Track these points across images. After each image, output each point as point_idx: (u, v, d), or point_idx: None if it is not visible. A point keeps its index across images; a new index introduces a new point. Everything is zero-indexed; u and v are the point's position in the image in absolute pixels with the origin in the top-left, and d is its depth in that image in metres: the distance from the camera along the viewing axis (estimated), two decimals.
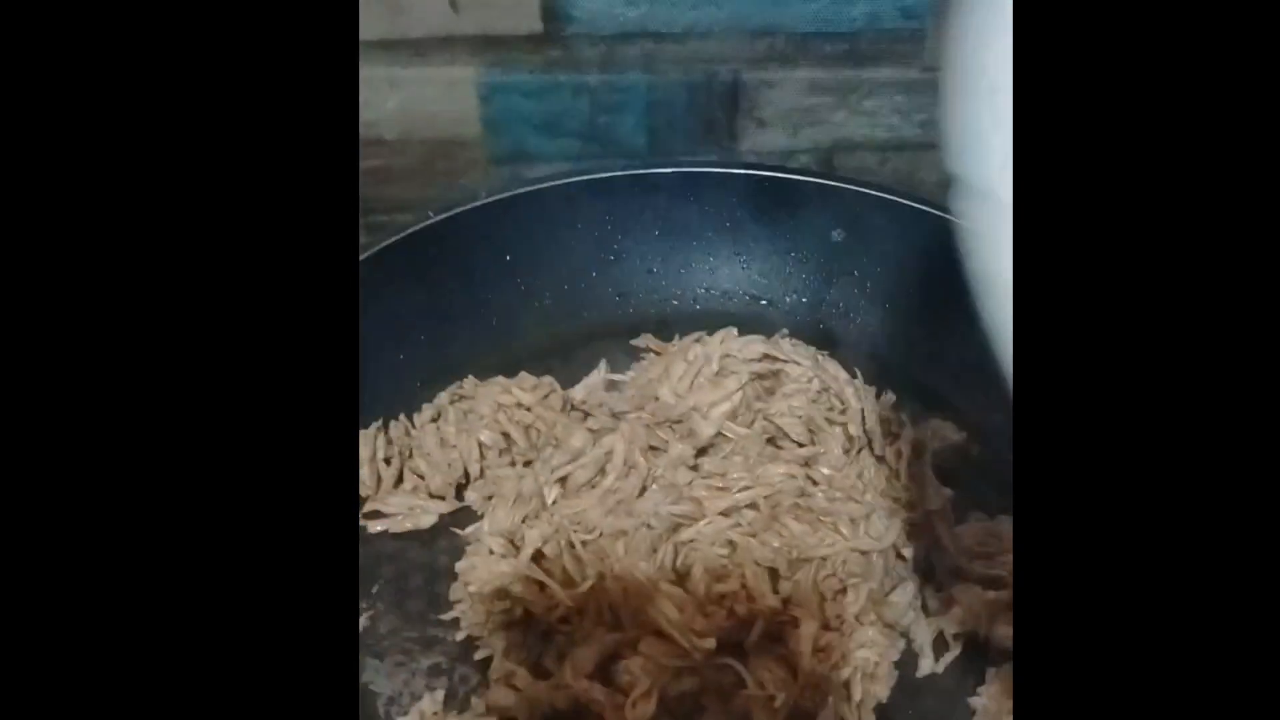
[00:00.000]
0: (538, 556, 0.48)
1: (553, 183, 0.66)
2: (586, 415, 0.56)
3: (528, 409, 0.57)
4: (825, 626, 0.44)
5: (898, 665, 0.47)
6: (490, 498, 0.53)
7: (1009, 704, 0.45)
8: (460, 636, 0.49)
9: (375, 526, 0.53)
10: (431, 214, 0.62)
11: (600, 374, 0.61)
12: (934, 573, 0.51)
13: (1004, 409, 0.60)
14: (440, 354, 0.62)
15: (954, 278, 0.62)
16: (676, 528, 0.48)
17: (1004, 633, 0.48)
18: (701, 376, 0.53)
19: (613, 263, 0.69)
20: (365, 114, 0.74)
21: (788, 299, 0.68)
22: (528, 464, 0.54)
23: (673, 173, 0.67)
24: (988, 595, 0.49)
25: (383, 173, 0.78)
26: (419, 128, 0.79)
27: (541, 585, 0.47)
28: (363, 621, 0.49)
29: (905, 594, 0.47)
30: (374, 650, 0.49)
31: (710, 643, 0.43)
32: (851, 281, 0.67)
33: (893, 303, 0.66)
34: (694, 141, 0.81)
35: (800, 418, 0.50)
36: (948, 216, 0.61)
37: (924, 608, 0.49)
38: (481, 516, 0.52)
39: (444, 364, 0.62)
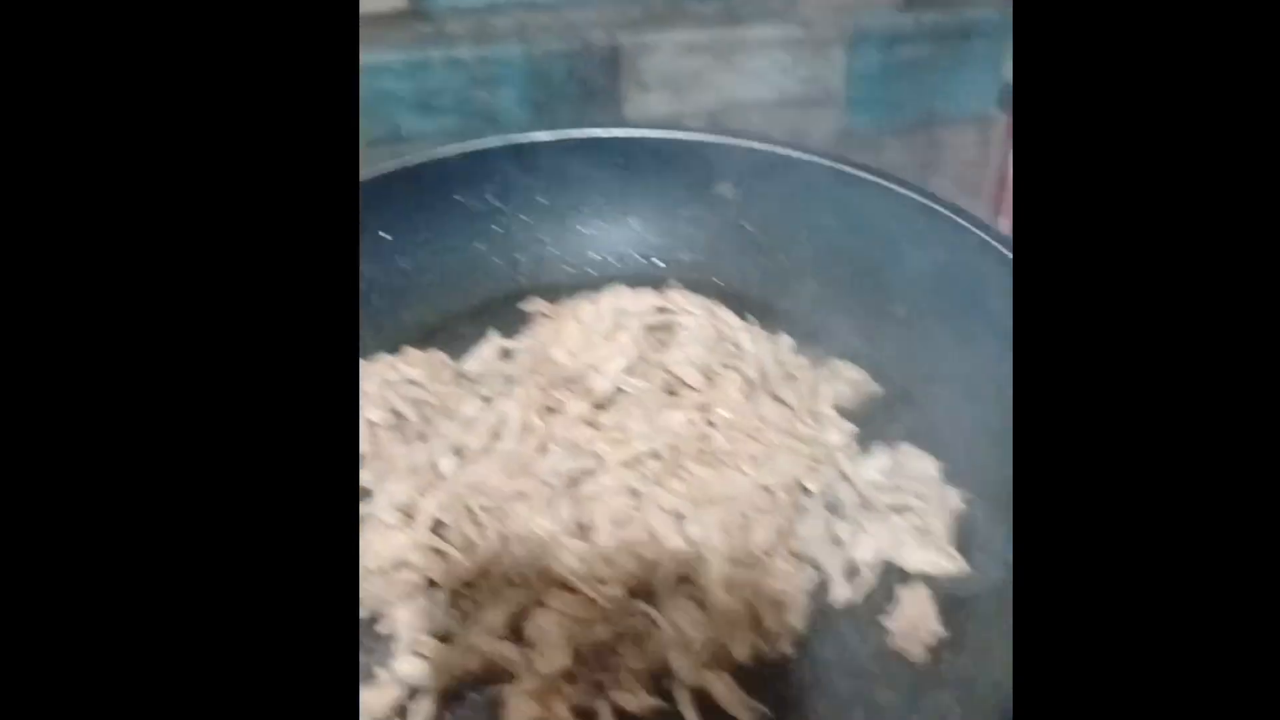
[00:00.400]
0: (436, 526, 0.46)
1: (427, 158, 0.64)
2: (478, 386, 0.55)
3: (417, 384, 0.55)
4: (734, 563, 0.44)
5: (812, 597, 0.47)
6: (376, 487, 0.51)
7: (925, 618, 0.45)
8: (363, 615, 0.46)
9: None
10: None
11: (491, 344, 0.59)
12: (841, 507, 0.51)
13: (899, 346, 0.61)
14: None
15: (846, 224, 0.63)
16: (577, 483, 0.46)
17: (913, 556, 0.49)
18: (595, 334, 0.51)
19: (500, 235, 0.67)
20: None
21: (682, 257, 0.67)
22: (421, 438, 0.52)
23: (553, 140, 0.66)
24: (894, 521, 0.50)
25: None
26: None
27: (441, 553, 0.45)
28: None
29: (812, 526, 0.47)
30: None
31: (617, 590, 0.42)
32: (743, 235, 0.67)
33: (785, 252, 0.66)
34: (578, 111, 0.80)
35: (696, 365, 0.50)
36: (836, 166, 0.62)
37: (834, 540, 0.49)
38: None
39: None
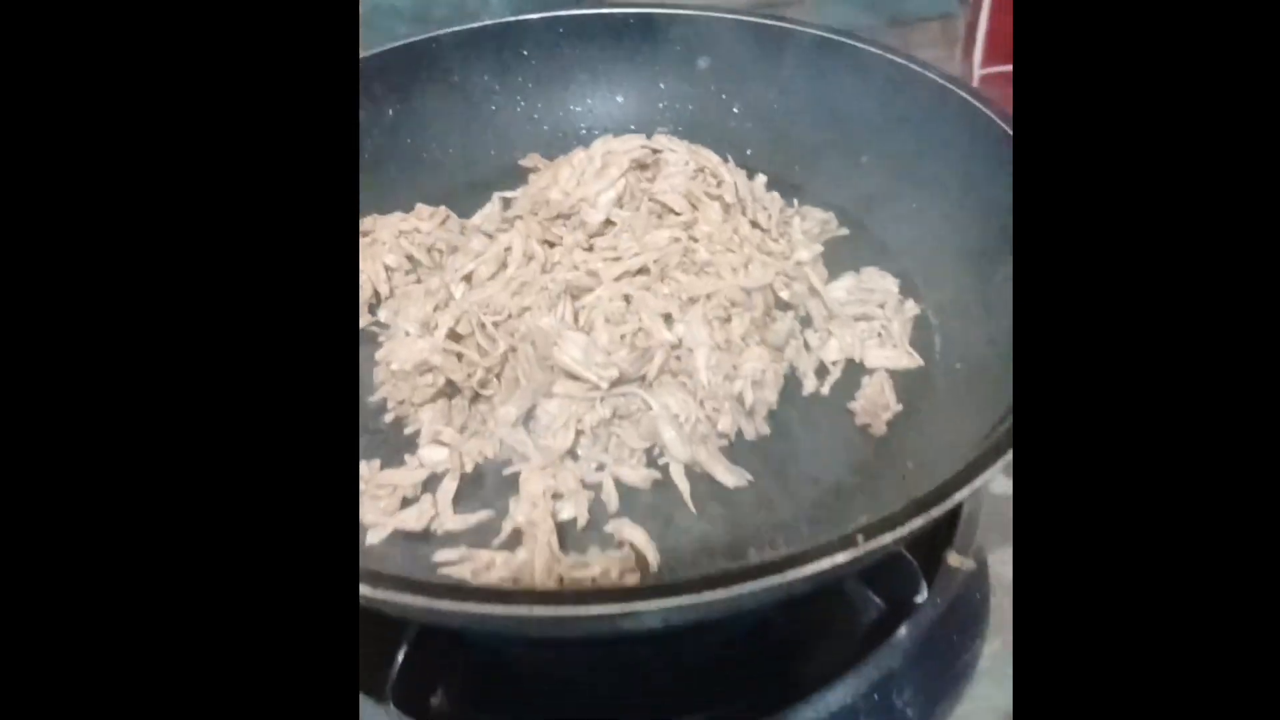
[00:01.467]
0: (453, 336, 0.52)
1: (421, 37, 0.69)
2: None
3: (428, 233, 0.61)
4: (716, 349, 0.50)
5: (784, 395, 0.53)
6: (398, 312, 0.57)
7: (884, 397, 0.52)
8: (388, 419, 0.52)
9: None
10: None
11: (495, 205, 0.65)
12: (811, 319, 0.57)
13: (862, 191, 0.67)
14: None
15: (816, 85, 0.69)
16: (576, 295, 0.52)
17: (874, 354, 0.55)
18: (587, 173, 0.57)
19: (493, 113, 0.73)
20: None
21: (664, 128, 0.73)
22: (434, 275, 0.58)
23: (541, 19, 0.71)
24: (858, 327, 0.56)
25: None
26: None
27: (460, 356, 0.51)
28: None
29: (785, 322, 0.53)
30: None
31: (613, 372, 0.48)
32: (719, 104, 0.72)
33: (760, 117, 0.71)
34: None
35: (681, 193, 0.56)
36: (806, 30, 0.68)
37: (805, 346, 0.55)
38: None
39: None
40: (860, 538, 0.36)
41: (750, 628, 0.50)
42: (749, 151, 0.70)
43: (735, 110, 0.72)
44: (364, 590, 0.35)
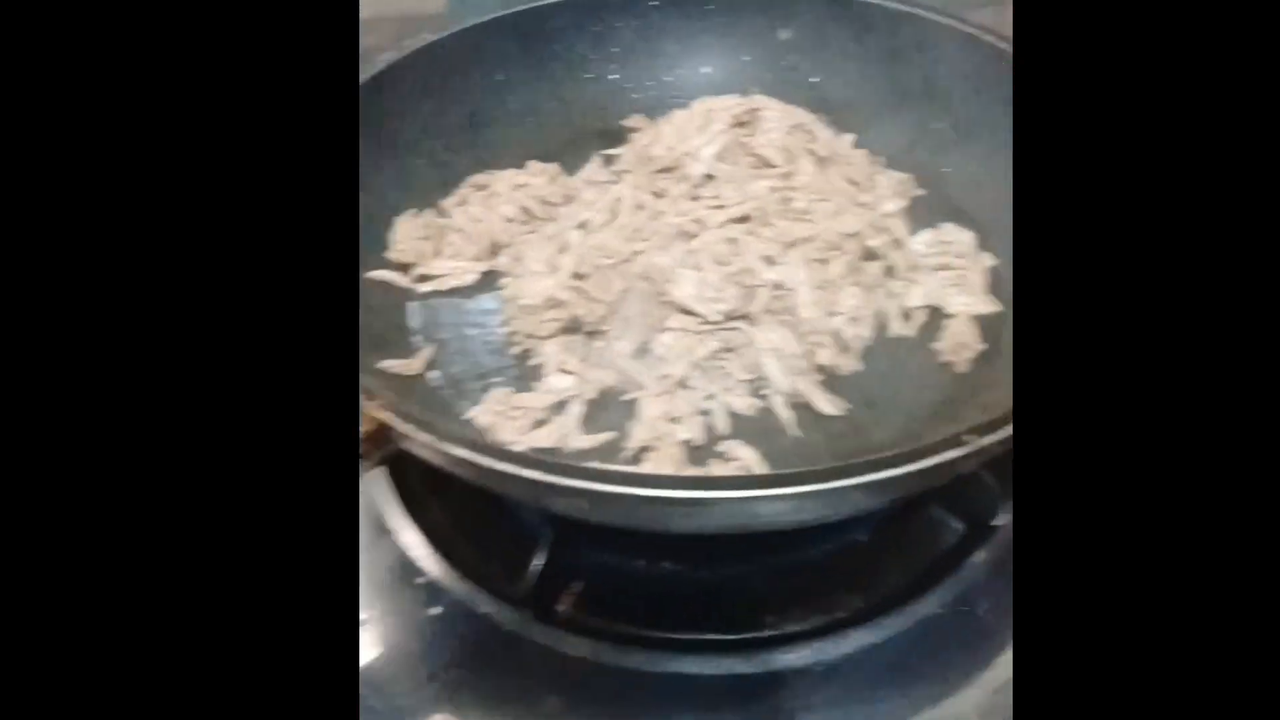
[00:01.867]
0: (575, 276, 0.57)
1: (524, 6, 0.74)
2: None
3: (540, 187, 0.66)
4: (814, 288, 0.55)
5: (875, 332, 0.58)
6: (519, 258, 0.62)
7: (968, 336, 0.56)
8: (515, 351, 0.58)
9: (424, 288, 0.62)
10: (429, 35, 0.70)
11: (597, 161, 0.70)
12: (896, 269, 0.62)
13: (938, 155, 0.71)
14: (451, 158, 0.70)
15: (889, 55, 0.73)
16: (686, 239, 0.57)
17: (955, 300, 0.60)
18: (689, 129, 0.62)
19: (590, 80, 0.78)
20: None
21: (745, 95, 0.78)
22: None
23: None
24: (940, 275, 0.61)
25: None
26: (386, 6, 0.85)
27: (582, 292, 0.56)
28: (428, 355, 0.58)
29: (874, 269, 0.58)
30: (443, 375, 0.57)
31: (723, 307, 0.53)
32: (798, 74, 0.77)
33: (839, 85, 0.76)
34: None
35: (779, 146, 0.60)
36: (873, 2, 0.72)
37: (890, 293, 0.60)
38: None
39: (458, 169, 0.70)
40: (967, 437, 0.41)
41: (840, 544, 0.55)
42: (828, 119, 0.75)
43: (813, 80, 0.76)
44: (516, 470, 0.40)
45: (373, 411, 0.41)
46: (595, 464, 0.51)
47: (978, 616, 0.53)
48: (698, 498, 0.39)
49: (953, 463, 0.41)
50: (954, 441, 0.41)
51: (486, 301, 0.61)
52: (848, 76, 0.75)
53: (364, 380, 0.41)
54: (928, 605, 0.52)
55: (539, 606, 0.52)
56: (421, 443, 0.40)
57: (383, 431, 0.41)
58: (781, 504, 0.41)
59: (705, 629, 0.52)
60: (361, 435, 0.41)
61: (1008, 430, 0.41)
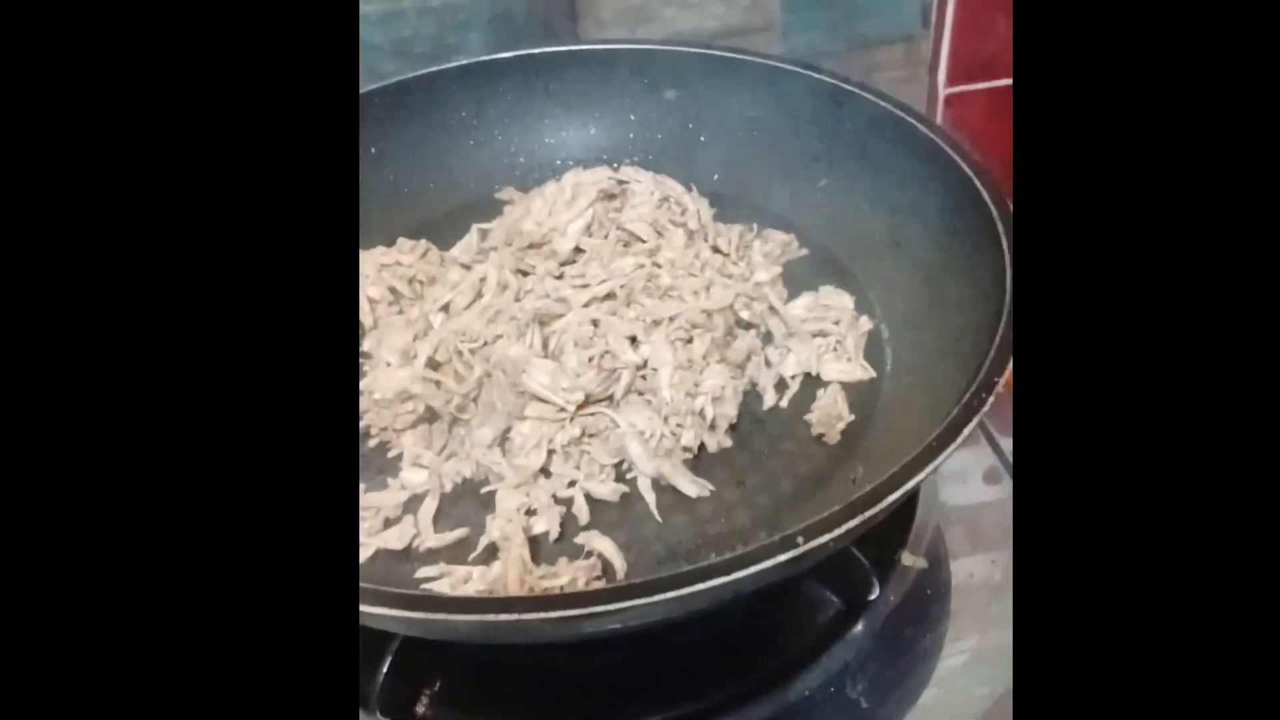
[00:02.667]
0: (432, 364, 0.55)
1: (402, 77, 0.73)
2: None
3: (409, 265, 0.64)
4: (679, 368, 0.53)
5: (745, 406, 0.56)
6: (380, 343, 0.60)
7: (838, 409, 0.55)
8: (372, 444, 0.56)
9: None
10: None
11: (473, 236, 0.68)
12: (772, 336, 0.60)
13: (822, 213, 0.70)
14: None
15: (777, 114, 0.72)
16: (546, 321, 0.56)
17: (830, 368, 0.58)
18: (557, 204, 0.60)
19: (471, 147, 0.76)
20: None
21: (634, 157, 0.76)
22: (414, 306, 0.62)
23: (514, 57, 0.75)
24: (816, 343, 0.59)
25: None
26: None
27: (438, 384, 0.54)
28: None
29: (746, 340, 0.57)
30: None
31: (578, 396, 0.52)
32: (686, 132, 0.76)
33: (725, 145, 0.75)
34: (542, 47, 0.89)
35: (647, 221, 0.59)
36: (766, 62, 0.71)
37: (766, 362, 0.59)
38: None
39: None
40: (800, 539, 0.39)
41: (715, 628, 0.53)
42: (715, 176, 0.74)
43: (702, 139, 0.75)
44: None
45: None
46: (440, 573, 0.49)
47: (850, 699, 0.51)
48: (512, 621, 0.37)
49: (786, 564, 0.39)
50: (786, 544, 0.39)
51: None
52: (735, 135, 0.74)
53: None
54: (799, 687, 0.51)
55: (393, 711, 0.49)
56: None
57: None
58: (607, 618, 0.39)
59: None
60: None
61: (842, 529, 0.39)
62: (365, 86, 0.71)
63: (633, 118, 0.77)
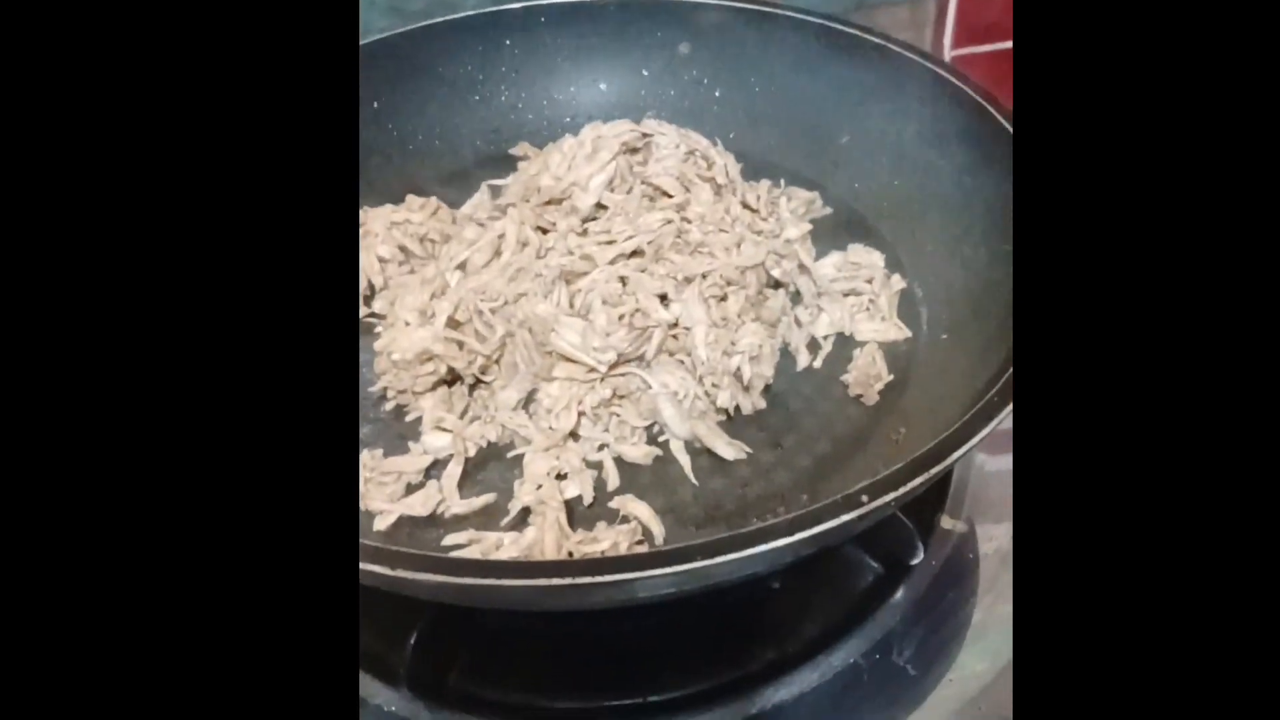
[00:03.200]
0: (451, 324, 0.52)
1: (405, 28, 0.69)
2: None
3: (419, 224, 0.61)
4: (713, 326, 0.51)
5: (779, 369, 0.54)
6: (394, 302, 0.57)
7: (875, 368, 0.53)
8: (389, 408, 0.53)
9: None
10: None
11: (484, 193, 0.65)
12: (801, 296, 0.58)
13: (844, 170, 0.68)
14: None
15: (792, 67, 0.70)
16: (571, 279, 0.53)
17: (864, 327, 0.56)
18: (577, 158, 0.58)
19: (478, 103, 0.73)
20: None
21: (647, 114, 0.74)
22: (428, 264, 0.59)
23: (520, 8, 0.72)
24: (848, 301, 0.57)
25: None
26: None
27: (460, 344, 0.52)
28: None
29: (778, 299, 0.55)
30: None
31: (610, 355, 0.49)
32: (701, 88, 0.73)
33: (741, 100, 0.72)
34: None
35: (673, 175, 0.57)
36: (782, 12, 0.69)
37: (797, 322, 0.56)
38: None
39: None
40: (864, 497, 0.37)
41: (753, 595, 0.51)
42: (731, 135, 0.71)
43: (717, 94, 0.73)
44: (383, 570, 0.36)
45: None
46: (469, 540, 0.46)
47: (897, 665, 0.50)
48: (565, 585, 0.35)
49: (849, 524, 0.37)
50: (850, 502, 0.37)
51: (361, 352, 0.56)
52: (752, 91, 0.72)
53: None
54: (844, 654, 0.49)
55: (420, 682, 0.47)
56: None
57: None
58: (662, 583, 0.37)
59: (607, 694, 0.48)
60: None
61: (908, 487, 0.38)
62: (364, 40, 0.68)
63: (645, 73, 0.74)
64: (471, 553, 0.46)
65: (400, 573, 0.36)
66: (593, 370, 0.50)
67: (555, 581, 0.35)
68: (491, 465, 0.51)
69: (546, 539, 0.44)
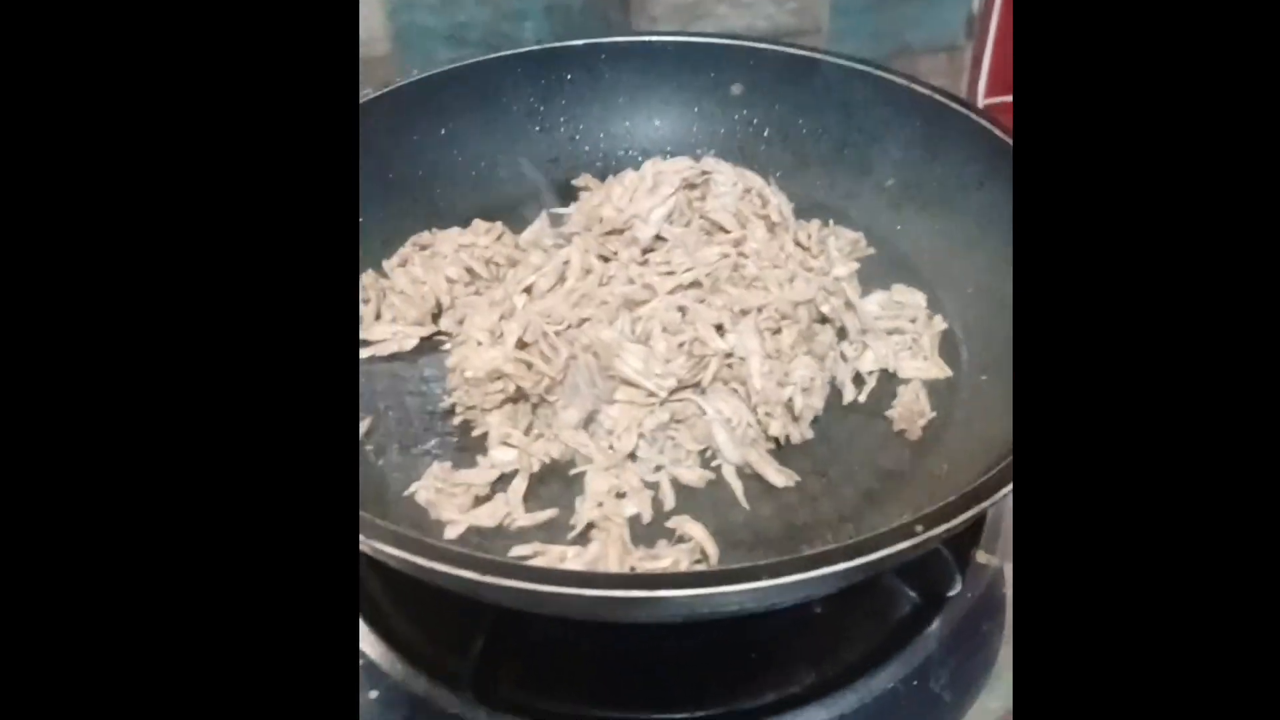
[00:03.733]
0: (520, 345, 0.55)
1: (473, 59, 0.73)
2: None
3: (485, 247, 0.64)
4: (767, 358, 0.54)
5: (826, 401, 0.57)
6: (462, 320, 0.60)
7: (919, 404, 0.56)
8: (457, 422, 0.56)
9: (363, 353, 0.60)
10: (370, 90, 0.68)
11: (543, 220, 0.68)
12: (847, 332, 0.61)
13: (888, 213, 0.71)
14: (393, 216, 0.68)
15: (841, 111, 0.73)
16: (632, 307, 0.56)
17: (907, 365, 0.59)
18: (639, 191, 0.61)
19: (539, 134, 0.76)
20: None
21: (697, 150, 0.77)
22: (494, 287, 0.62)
23: (583, 45, 0.75)
24: (891, 339, 0.60)
25: None
26: None
27: (528, 364, 0.54)
28: (365, 425, 0.56)
29: (826, 334, 0.58)
30: (381, 446, 0.55)
31: (671, 382, 0.52)
32: (750, 128, 0.76)
33: (790, 141, 0.76)
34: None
35: (731, 212, 0.60)
36: (832, 60, 0.72)
37: (843, 357, 0.59)
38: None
39: (399, 225, 0.68)
40: (919, 528, 0.40)
41: (796, 619, 0.54)
42: (778, 174, 0.74)
43: (766, 134, 0.76)
44: (467, 574, 0.39)
45: None
46: (534, 552, 0.49)
47: (933, 692, 0.52)
48: (636, 597, 0.38)
49: (903, 552, 0.40)
50: (904, 532, 0.40)
51: (427, 368, 0.59)
52: (800, 133, 0.75)
53: None
54: (882, 679, 0.51)
55: (481, 688, 0.50)
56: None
57: None
58: (726, 599, 0.39)
59: (654, 709, 0.51)
60: None
61: (958, 520, 0.40)
62: (431, 70, 0.71)
63: (697, 110, 0.77)
64: (537, 564, 0.48)
65: (490, 579, 0.38)
66: (652, 395, 0.53)
67: (633, 594, 0.38)
68: (552, 481, 0.54)
69: (610, 554, 0.47)
